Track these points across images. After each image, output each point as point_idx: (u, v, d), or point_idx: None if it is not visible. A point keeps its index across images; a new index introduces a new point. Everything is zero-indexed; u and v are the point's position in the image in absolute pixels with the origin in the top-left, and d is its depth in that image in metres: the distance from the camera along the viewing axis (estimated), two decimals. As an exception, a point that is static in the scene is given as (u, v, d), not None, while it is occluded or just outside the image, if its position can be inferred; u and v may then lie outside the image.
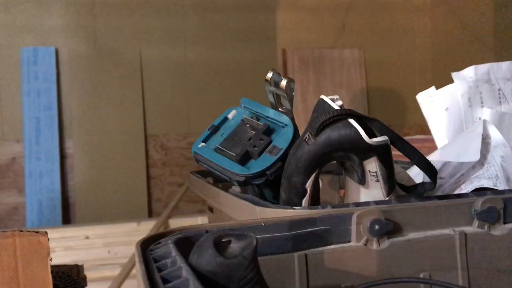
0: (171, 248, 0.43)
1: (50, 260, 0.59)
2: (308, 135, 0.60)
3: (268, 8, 4.34)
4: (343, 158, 0.61)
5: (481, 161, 0.71)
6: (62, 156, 3.94)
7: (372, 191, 0.62)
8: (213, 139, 0.70)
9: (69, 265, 0.88)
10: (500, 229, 0.56)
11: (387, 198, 0.61)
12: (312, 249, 0.51)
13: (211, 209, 0.86)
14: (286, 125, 0.67)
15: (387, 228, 0.52)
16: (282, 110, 0.70)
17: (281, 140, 0.66)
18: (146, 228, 2.77)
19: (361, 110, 4.44)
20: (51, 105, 3.86)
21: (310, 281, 0.50)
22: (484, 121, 0.74)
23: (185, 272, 0.38)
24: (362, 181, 0.62)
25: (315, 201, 0.62)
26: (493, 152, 0.71)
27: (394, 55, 4.61)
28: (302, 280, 0.50)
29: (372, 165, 0.60)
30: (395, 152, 0.61)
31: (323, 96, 0.63)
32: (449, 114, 0.85)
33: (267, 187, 0.69)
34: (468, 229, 0.56)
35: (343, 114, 0.59)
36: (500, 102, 0.83)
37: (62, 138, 3.93)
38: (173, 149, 4.19)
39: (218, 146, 0.68)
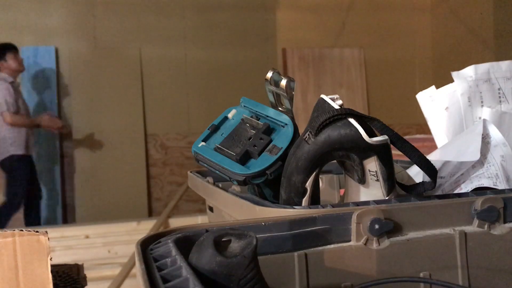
0: (171, 248, 0.43)
1: (50, 259, 0.59)
2: (308, 134, 0.60)
3: (268, 7, 4.35)
4: (343, 157, 0.61)
5: (481, 161, 0.71)
6: (62, 156, 3.94)
7: (372, 191, 0.62)
8: (213, 139, 0.70)
9: (69, 265, 0.88)
10: (500, 229, 0.56)
11: (387, 198, 0.61)
12: (312, 249, 0.51)
13: (211, 209, 0.86)
14: (286, 124, 0.67)
15: (387, 227, 0.52)
16: (282, 110, 0.70)
17: (281, 140, 0.66)
18: (146, 227, 2.78)
19: (361, 110, 4.44)
20: (51, 105, 3.87)
21: (310, 280, 0.50)
22: (484, 121, 0.74)
23: (185, 271, 0.38)
24: (362, 180, 0.62)
25: (315, 201, 0.63)
26: (493, 152, 0.71)
27: (394, 55, 4.62)
28: (302, 280, 0.50)
29: (372, 165, 0.60)
30: (395, 152, 0.61)
31: (323, 96, 0.63)
32: (449, 113, 0.85)
33: (267, 187, 0.69)
34: (468, 228, 0.56)
35: (343, 114, 0.59)
36: (500, 101, 0.83)
37: (62, 137, 3.93)
38: (173, 148, 4.20)
39: (218, 146, 0.68)
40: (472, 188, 0.69)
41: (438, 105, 0.87)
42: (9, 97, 3.27)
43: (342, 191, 0.96)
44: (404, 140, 0.61)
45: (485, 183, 0.68)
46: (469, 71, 0.84)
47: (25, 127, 3.37)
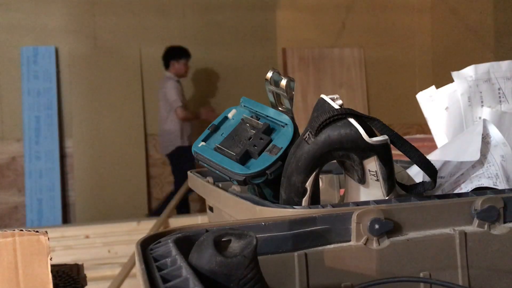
0: (171, 248, 0.43)
1: (50, 259, 0.59)
2: (308, 134, 0.60)
3: (268, 7, 4.35)
4: (343, 157, 0.61)
5: (481, 160, 0.71)
6: (62, 156, 3.95)
7: (372, 191, 0.62)
8: (213, 138, 0.70)
9: (69, 265, 0.88)
10: (500, 228, 0.56)
11: (387, 198, 0.61)
12: (312, 249, 0.51)
13: (211, 209, 0.86)
14: (286, 124, 0.67)
15: (387, 227, 0.52)
16: (282, 109, 0.70)
17: (281, 140, 0.66)
18: (146, 227, 2.78)
19: (361, 109, 4.44)
20: (51, 105, 3.87)
21: (310, 280, 0.50)
22: (484, 120, 0.74)
23: (185, 271, 0.38)
24: (362, 180, 0.62)
25: (315, 201, 0.63)
26: (493, 151, 0.71)
27: (394, 55, 4.62)
28: (302, 279, 0.50)
29: (372, 165, 0.60)
30: (395, 152, 0.61)
31: (323, 95, 0.63)
32: (449, 113, 0.85)
33: (267, 187, 0.69)
34: (468, 228, 0.56)
35: (343, 114, 0.59)
36: (500, 101, 0.83)
37: (62, 137, 3.94)
38: (173, 148, 4.17)
39: (218, 146, 0.68)
40: (472, 188, 0.69)
41: (438, 105, 0.87)
42: (179, 94, 3.64)
43: (342, 191, 0.96)
44: (404, 140, 0.61)
45: (485, 183, 0.68)
46: (469, 71, 0.83)
47: (191, 120, 3.73)
